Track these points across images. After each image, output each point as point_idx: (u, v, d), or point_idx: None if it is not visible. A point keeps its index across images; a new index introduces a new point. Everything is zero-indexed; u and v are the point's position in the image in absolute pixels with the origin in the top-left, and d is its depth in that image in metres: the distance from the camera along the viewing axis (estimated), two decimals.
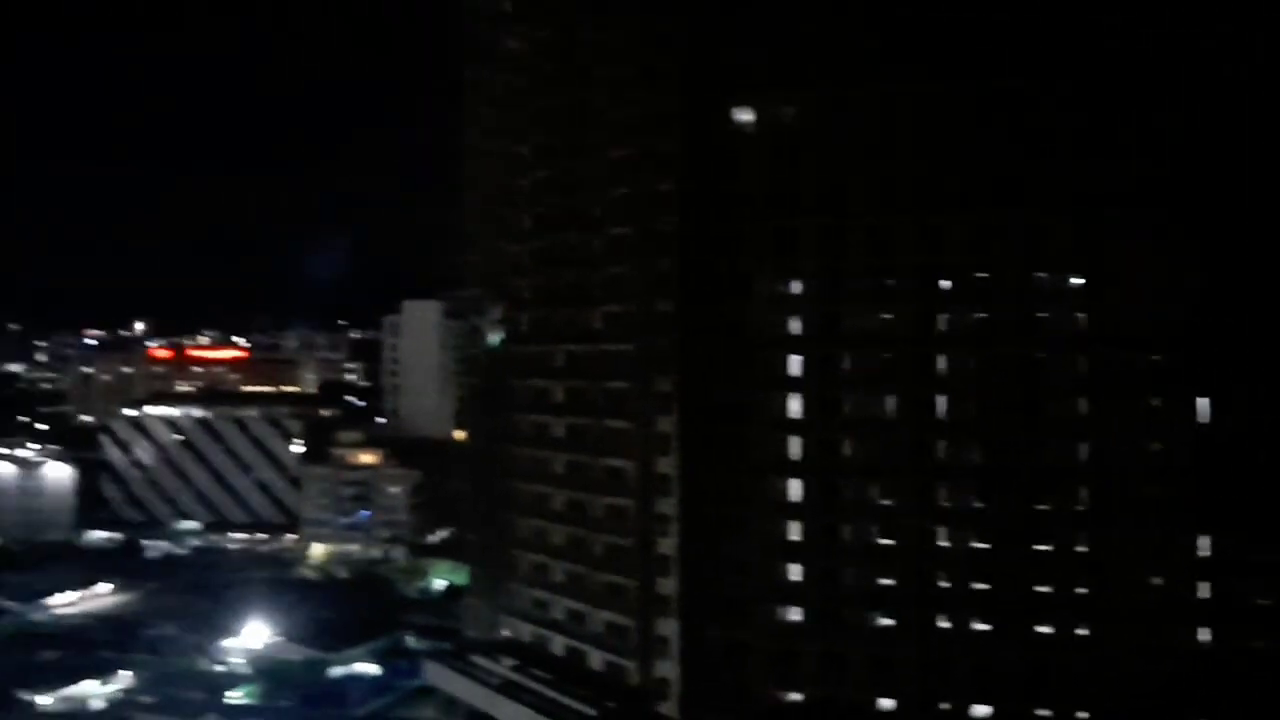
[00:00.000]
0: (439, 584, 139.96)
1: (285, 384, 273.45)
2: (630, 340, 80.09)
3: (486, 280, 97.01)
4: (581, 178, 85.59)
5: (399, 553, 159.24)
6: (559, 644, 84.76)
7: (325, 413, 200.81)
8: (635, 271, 79.89)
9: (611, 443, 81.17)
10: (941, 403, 67.92)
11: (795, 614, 70.16)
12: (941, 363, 68.06)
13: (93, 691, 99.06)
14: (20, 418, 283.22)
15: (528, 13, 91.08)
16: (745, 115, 72.96)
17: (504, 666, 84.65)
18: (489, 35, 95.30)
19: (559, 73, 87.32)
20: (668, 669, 76.27)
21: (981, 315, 67.62)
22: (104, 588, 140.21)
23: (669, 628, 76.26)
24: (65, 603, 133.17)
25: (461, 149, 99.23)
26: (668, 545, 76.75)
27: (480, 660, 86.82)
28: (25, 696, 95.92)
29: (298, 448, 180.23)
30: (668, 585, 76.55)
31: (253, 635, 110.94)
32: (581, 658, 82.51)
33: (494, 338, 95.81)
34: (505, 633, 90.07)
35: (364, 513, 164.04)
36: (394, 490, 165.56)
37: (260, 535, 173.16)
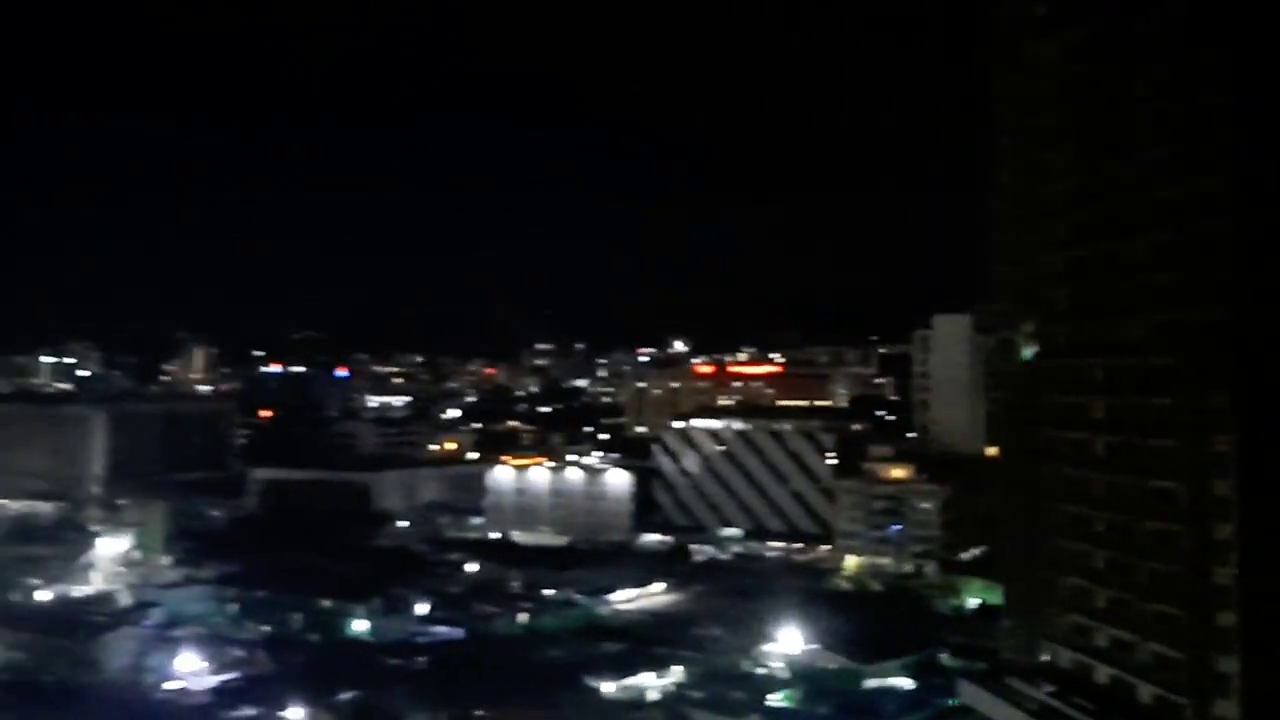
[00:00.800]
0: (972, 602, 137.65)
1: (817, 398, 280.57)
2: (1177, 353, 74.93)
3: (1018, 292, 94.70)
4: (1120, 182, 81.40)
5: (931, 568, 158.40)
6: (1102, 673, 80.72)
7: (856, 427, 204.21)
8: (1182, 279, 74.69)
9: (1158, 463, 76.26)
10: None
11: None
12: None
13: (649, 683, 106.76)
14: (585, 428, 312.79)
15: (1063, 14, 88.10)
16: None
17: (1042, 692, 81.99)
18: (1016, 39, 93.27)
19: (1095, 74, 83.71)
20: (1229, 710, 70.31)
21: None
22: (657, 587, 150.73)
23: (1230, 665, 70.32)
24: (625, 599, 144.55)
25: (988, 158, 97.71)
26: (1225, 575, 70.85)
27: (1017, 683, 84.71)
28: (591, 683, 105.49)
29: (830, 460, 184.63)
30: (1227, 619, 70.64)
31: (790, 641, 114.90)
32: (1128, 690, 78.04)
33: (1027, 351, 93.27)
34: (1044, 657, 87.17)
35: (895, 526, 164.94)
36: (925, 505, 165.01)
37: (796, 544, 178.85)
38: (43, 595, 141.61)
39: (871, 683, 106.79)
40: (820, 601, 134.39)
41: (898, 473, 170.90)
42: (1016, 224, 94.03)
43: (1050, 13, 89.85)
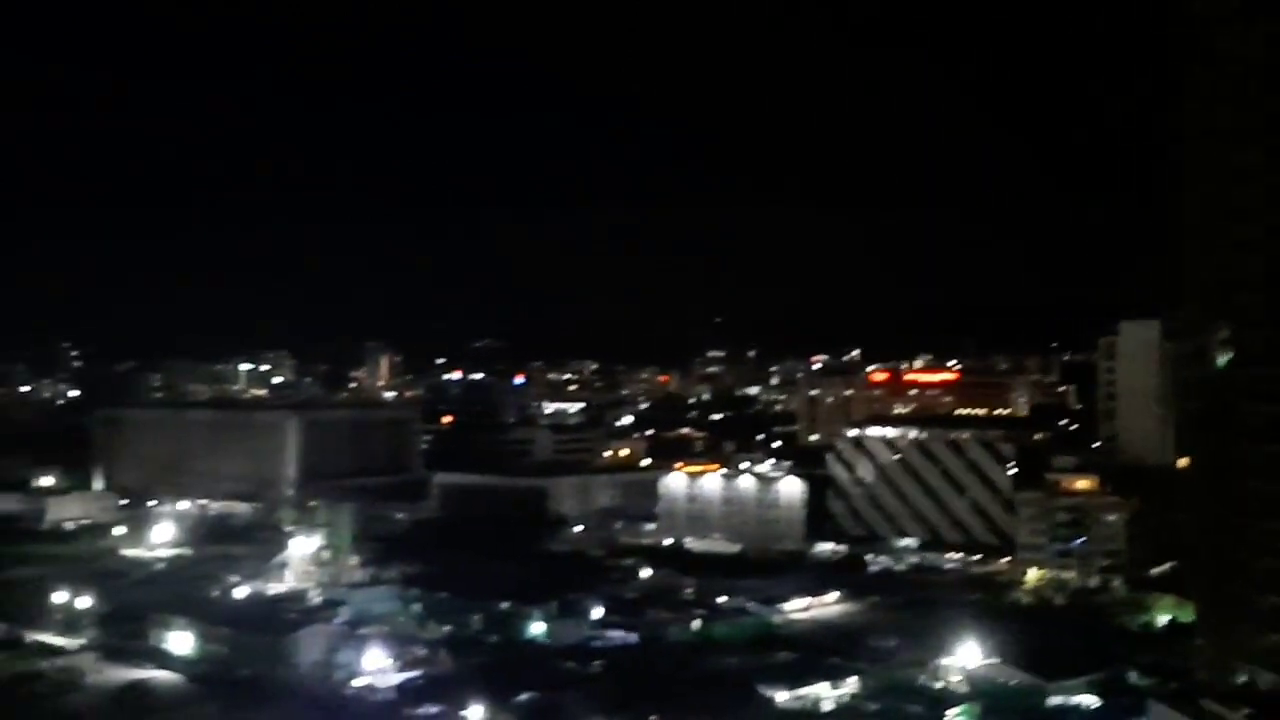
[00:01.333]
0: (1162, 619, 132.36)
1: (996, 407, 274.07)
2: None
3: (1210, 297, 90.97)
4: None
5: (1117, 583, 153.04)
6: None
7: (1037, 436, 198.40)
8: None
9: None
10: None
11: None
12: None
13: (823, 694, 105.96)
14: (757, 436, 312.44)
15: (1261, 3, 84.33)
16: None
17: (1239, 715, 78.44)
18: (1208, 33, 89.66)
19: None
20: None
21: None
22: (831, 597, 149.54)
23: None
24: (798, 608, 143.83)
25: (1177, 159, 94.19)
26: None
27: (1212, 705, 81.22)
28: (765, 692, 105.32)
29: (1010, 471, 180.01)
30: None
31: (969, 655, 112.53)
32: None
33: (1220, 359, 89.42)
34: (1241, 678, 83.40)
35: (1079, 540, 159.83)
36: (1110, 518, 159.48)
37: (974, 556, 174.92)
38: (240, 592, 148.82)
39: (1055, 700, 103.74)
40: (1000, 615, 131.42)
41: (1082, 484, 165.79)
42: (1207, 227, 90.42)
43: (1247, 3, 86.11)
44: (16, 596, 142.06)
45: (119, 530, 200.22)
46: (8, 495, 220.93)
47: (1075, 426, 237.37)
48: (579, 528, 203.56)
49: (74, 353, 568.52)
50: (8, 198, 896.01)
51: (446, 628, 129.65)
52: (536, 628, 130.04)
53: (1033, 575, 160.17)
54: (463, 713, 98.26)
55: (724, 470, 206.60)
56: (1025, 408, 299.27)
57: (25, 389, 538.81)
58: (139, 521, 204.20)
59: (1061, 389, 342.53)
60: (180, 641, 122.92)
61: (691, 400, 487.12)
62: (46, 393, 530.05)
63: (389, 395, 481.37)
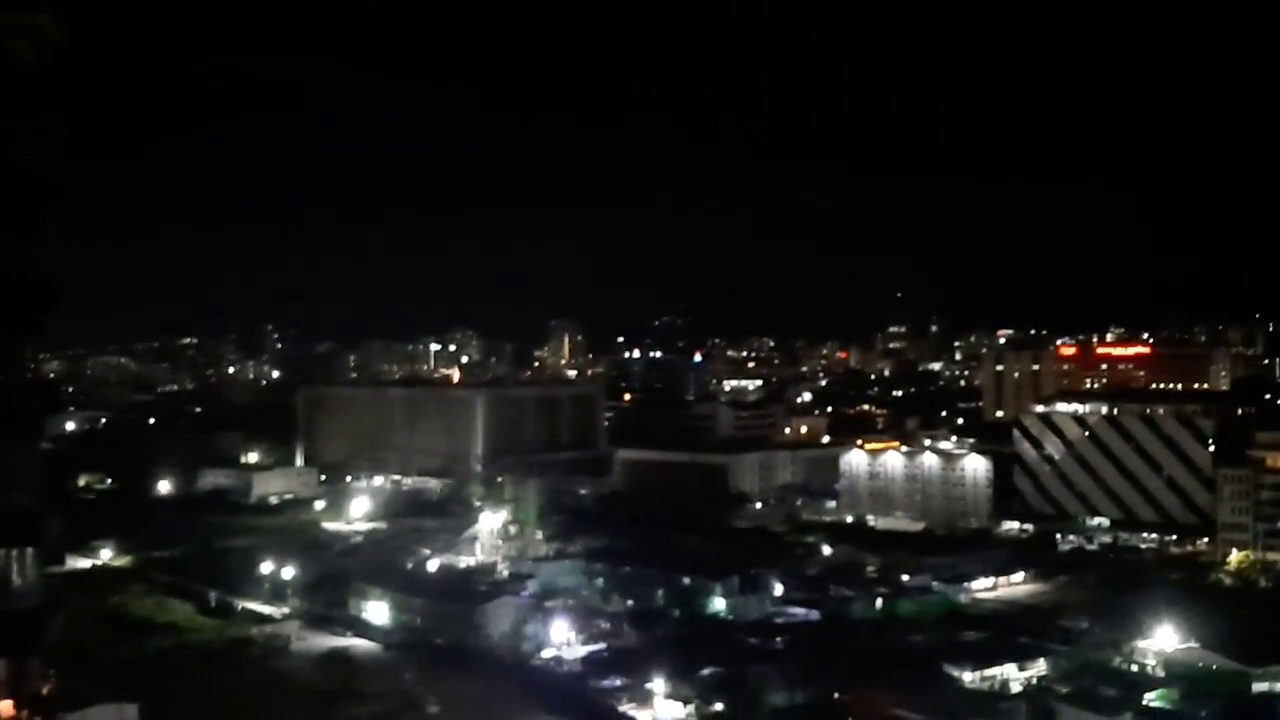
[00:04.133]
0: None
1: (1194, 380, 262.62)
2: None
3: None
4: None
5: None
6: None
7: (1240, 411, 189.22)
8: None
9: None
10: None
11: None
12: None
13: (1011, 674, 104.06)
14: (941, 412, 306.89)
15: None
16: None
17: None
18: None
19: None
20: None
21: None
22: (1017, 576, 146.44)
23: None
24: (984, 587, 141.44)
25: None
26: None
27: None
28: (951, 671, 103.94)
29: (1211, 447, 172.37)
30: None
31: (1166, 638, 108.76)
32: None
33: None
34: None
35: None
36: None
37: (1170, 536, 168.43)
38: (432, 564, 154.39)
39: (1260, 686, 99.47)
40: (1200, 597, 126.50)
41: None
42: None
43: None
44: (228, 566, 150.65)
45: (319, 504, 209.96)
46: (219, 470, 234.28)
47: None
48: (760, 504, 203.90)
49: (276, 335, 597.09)
50: (220, 200, 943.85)
51: (630, 601, 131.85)
52: (719, 603, 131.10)
53: (1235, 556, 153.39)
54: (647, 685, 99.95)
55: (906, 447, 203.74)
56: (1226, 381, 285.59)
57: (233, 370, 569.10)
58: (338, 496, 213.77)
59: (1267, 361, 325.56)
60: (377, 611, 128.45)
61: (873, 376, 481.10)
62: (252, 373, 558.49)
63: (572, 373, 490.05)
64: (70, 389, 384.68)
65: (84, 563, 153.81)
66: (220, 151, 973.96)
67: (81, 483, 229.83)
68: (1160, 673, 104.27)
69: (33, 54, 47.65)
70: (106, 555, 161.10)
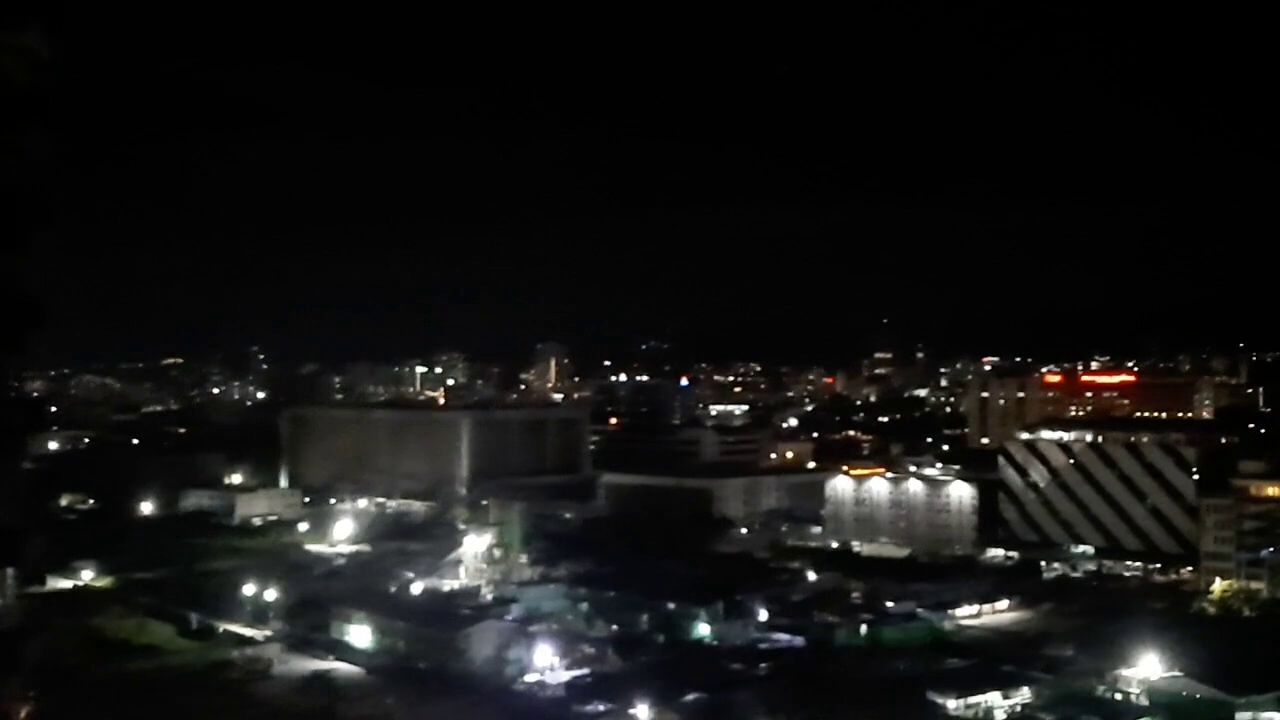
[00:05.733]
0: None
1: (1178, 409, 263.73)
2: None
3: None
4: None
5: None
6: None
7: (1224, 440, 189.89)
8: None
9: None
10: None
11: None
12: None
13: (995, 702, 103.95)
14: (926, 438, 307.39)
15: None
16: None
17: None
18: None
19: None
20: None
21: None
22: (1002, 603, 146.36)
23: None
24: (968, 614, 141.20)
25: None
26: None
27: None
28: (935, 699, 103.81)
29: (1194, 476, 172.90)
30: None
31: (1150, 666, 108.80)
32: None
33: None
34: None
35: (1269, 549, 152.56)
36: None
37: (1154, 564, 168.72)
38: (416, 587, 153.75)
39: (1244, 716, 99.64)
40: (1183, 626, 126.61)
41: (1274, 490, 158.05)
42: None
43: None
44: (210, 588, 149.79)
45: (303, 526, 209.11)
46: (202, 491, 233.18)
47: (1265, 430, 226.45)
48: (745, 529, 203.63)
49: (262, 356, 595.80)
50: (203, 217, 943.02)
51: (614, 626, 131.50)
52: (703, 628, 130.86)
53: (1219, 585, 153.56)
54: (630, 711, 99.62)
55: (891, 473, 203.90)
56: (1210, 410, 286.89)
57: (217, 390, 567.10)
58: (321, 518, 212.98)
59: (1250, 390, 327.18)
60: (360, 634, 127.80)
61: (858, 402, 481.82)
62: (237, 394, 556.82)
63: (558, 396, 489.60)
64: (54, 408, 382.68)
65: (65, 583, 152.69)
66: (205, 168, 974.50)
67: (64, 502, 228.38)
68: (1144, 701, 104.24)
69: (21, 71, 47.65)
70: (88, 576, 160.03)
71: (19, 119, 47.32)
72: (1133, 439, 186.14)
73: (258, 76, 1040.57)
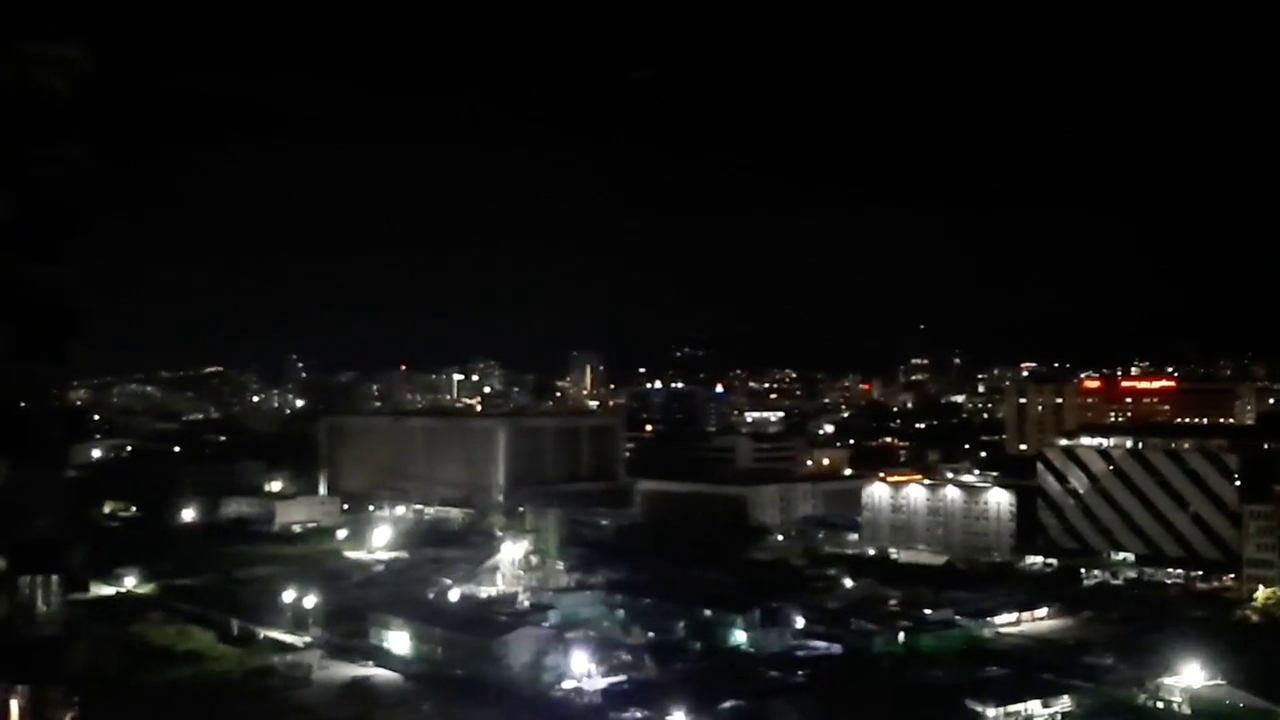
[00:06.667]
0: None
1: (1220, 415, 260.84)
2: None
3: None
4: None
5: None
6: None
7: (1266, 445, 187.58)
8: None
9: None
10: None
11: None
12: None
13: (1035, 711, 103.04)
14: (963, 445, 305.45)
15: None
16: None
17: None
18: None
19: None
20: None
21: None
22: (1041, 611, 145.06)
23: None
24: (1007, 622, 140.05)
25: None
26: None
27: None
28: (974, 707, 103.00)
29: (1236, 482, 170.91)
30: None
31: (1191, 675, 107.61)
32: None
33: None
34: None
35: None
36: None
37: (1195, 572, 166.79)
38: (453, 594, 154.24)
39: None
40: (1225, 634, 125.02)
41: None
42: None
43: None
44: (250, 595, 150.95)
45: (341, 533, 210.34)
46: (242, 499, 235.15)
47: None
48: (780, 536, 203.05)
49: (300, 364, 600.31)
50: (244, 227, 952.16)
51: (650, 633, 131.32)
52: (739, 635, 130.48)
53: (1261, 593, 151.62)
54: (667, 718, 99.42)
55: (929, 480, 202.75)
56: (1252, 416, 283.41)
57: (256, 399, 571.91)
58: (360, 525, 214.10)
59: None
60: (398, 641, 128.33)
61: (894, 408, 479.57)
62: (276, 402, 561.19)
63: (593, 404, 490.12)
64: (96, 417, 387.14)
65: (108, 590, 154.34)
66: (243, 178, 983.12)
67: (106, 510, 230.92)
68: (1186, 710, 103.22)
69: (59, 83, 48.34)
70: (130, 583, 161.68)
71: (58, 130, 48.03)
72: (1173, 445, 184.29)
73: (292, 86, 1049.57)
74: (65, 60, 47.92)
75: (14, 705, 45.88)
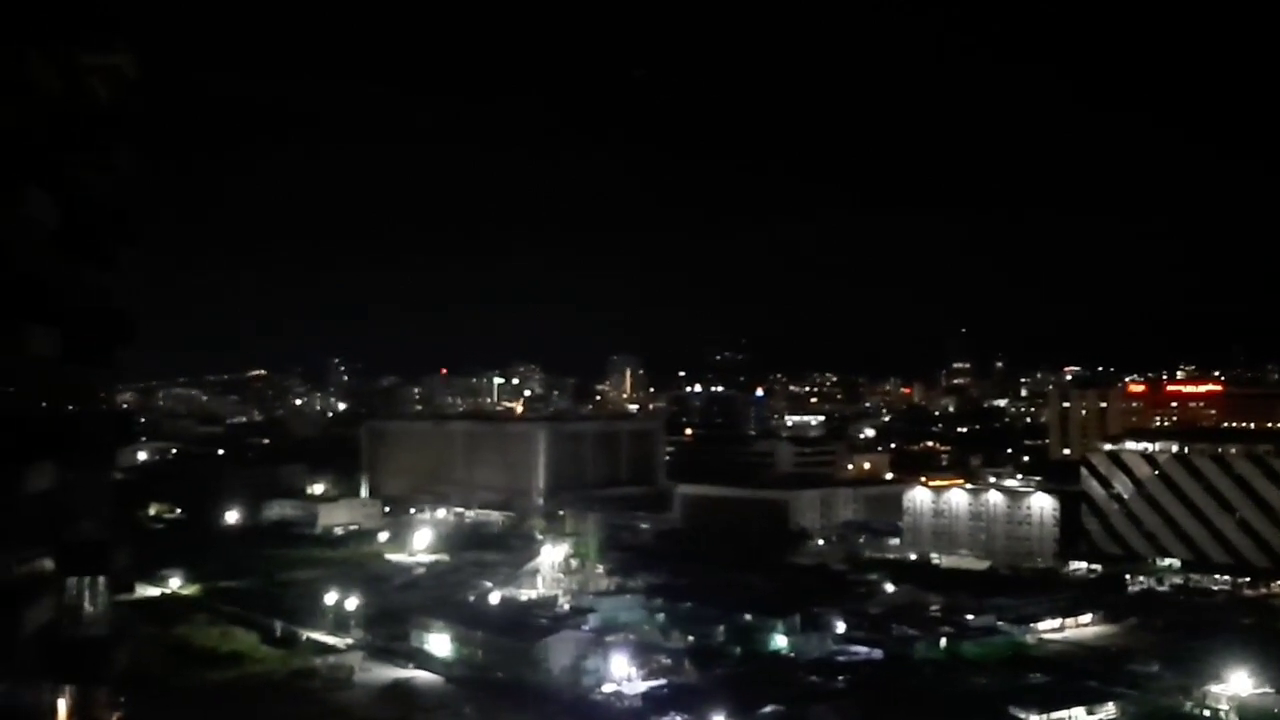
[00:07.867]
0: None
1: (1267, 420, 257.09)
2: None
3: None
4: None
5: None
6: None
7: None
8: None
9: None
10: None
11: None
12: None
13: (1079, 718, 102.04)
14: (1006, 449, 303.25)
15: None
16: None
17: None
18: None
19: None
20: None
21: None
22: (1085, 617, 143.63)
23: None
24: (1051, 628, 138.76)
25: None
26: None
27: None
28: (1016, 714, 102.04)
29: None
30: None
31: (1240, 683, 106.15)
32: None
33: None
34: None
35: None
36: None
37: (1243, 578, 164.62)
38: (494, 597, 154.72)
39: None
40: (1273, 641, 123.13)
41: None
42: None
43: None
44: (292, 597, 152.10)
45: (383, 536, 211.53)
46: (285, 502, 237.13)
47: None
48: (821, 541, 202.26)
49: (342, 369, 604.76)
50: (285, 229, 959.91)
51: (690, 638, 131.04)
52: (780, 640, 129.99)
53: None
54: None
55: (971, 485, 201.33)
56: None
57: (299, 403, 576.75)
58: (401, 528, 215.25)
59: None
60: (439, 643, 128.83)
61: (936, 413, 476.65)
62: (318, 406, 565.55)
63: (633, 407, 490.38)
64: (142, 420, 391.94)
65: (153, 591, 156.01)
66: (288, 181, 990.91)
67: (151, 512, 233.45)
68: (1234, 718, 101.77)
69: (109, 91, 49.07)
70: (174, 584, 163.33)
71: (106, 137, 48.75)
72: (1220, 450, 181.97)
73: (338, 91, 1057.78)
74: (114, 69, 48.65)
75: (61, 705, 46.51)
